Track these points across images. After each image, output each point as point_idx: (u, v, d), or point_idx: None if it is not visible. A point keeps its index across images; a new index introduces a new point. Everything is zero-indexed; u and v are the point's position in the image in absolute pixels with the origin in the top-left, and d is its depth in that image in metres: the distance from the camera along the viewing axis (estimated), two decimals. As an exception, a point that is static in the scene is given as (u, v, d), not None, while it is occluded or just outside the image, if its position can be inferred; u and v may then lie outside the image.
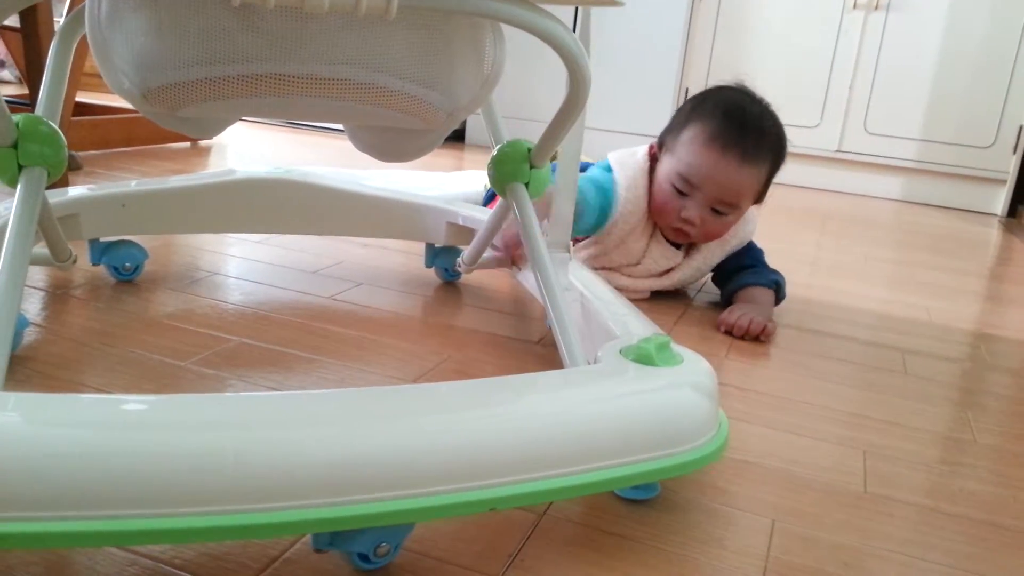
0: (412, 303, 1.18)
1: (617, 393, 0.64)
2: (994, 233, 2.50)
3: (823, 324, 1.28)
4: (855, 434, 0.87)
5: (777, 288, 1.28)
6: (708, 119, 1.21)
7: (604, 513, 0.67)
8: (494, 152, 0.92)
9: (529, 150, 0.89)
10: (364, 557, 0.54)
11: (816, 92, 2.97)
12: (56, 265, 0.96)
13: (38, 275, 1.12)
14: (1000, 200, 2.87)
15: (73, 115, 2.08)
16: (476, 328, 1.09)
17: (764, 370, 1.05)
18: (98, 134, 2.18)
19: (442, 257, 1.28)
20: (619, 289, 1.08)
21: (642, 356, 0.67)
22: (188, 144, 2.45)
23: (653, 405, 0.63)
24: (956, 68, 2.83)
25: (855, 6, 2.88)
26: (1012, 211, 2.84)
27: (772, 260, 1.35)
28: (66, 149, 0.79)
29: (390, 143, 0.94)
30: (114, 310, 1.02)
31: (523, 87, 3.10)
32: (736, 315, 1.18)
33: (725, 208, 1.22)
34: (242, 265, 1.27)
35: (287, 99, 0.74)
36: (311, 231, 1.26)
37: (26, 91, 1.90)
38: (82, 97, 2.27)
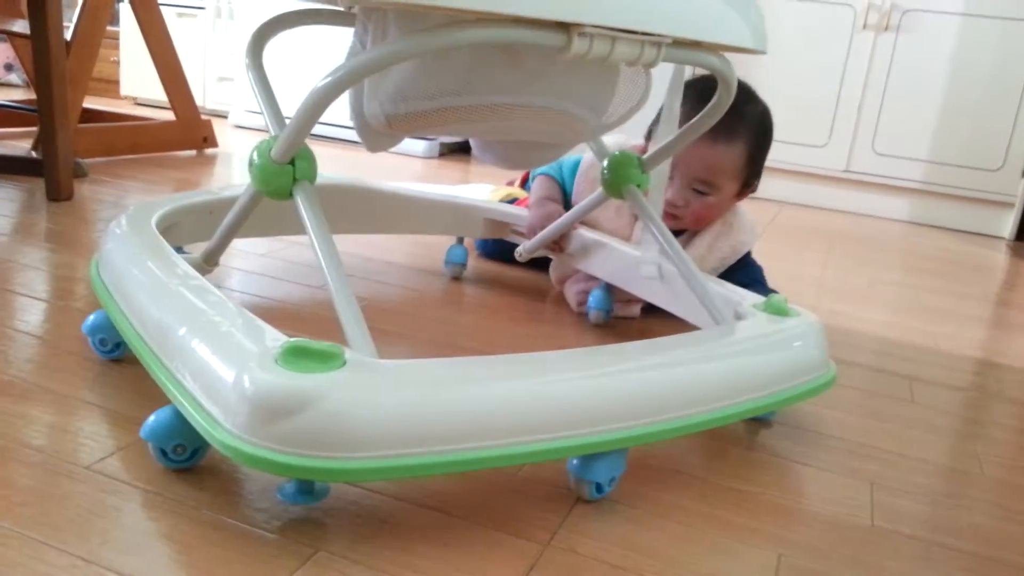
0: (420, 324, 1.17)
1: (784, 336, 0.89)
2: (1001, 257, 2.49)
3: (830, 349, 1.26)
4: (862, 465, 0.86)
5: None
6: (686, 101, 1.20)
7: (610, 545, 0.66)
8: (606, 162, 1.09)
9: (639, 158, 1.08)
10: (599, 488, 0.71)
11: (825, 112, 2.96)
12: (205, 268, 0.99)
13: (40, 286, 1.11)
14: (1008, 223, 2.85)
15: (80, 122, 2.08)
16: (494, 342, 1.08)
17: (770, 396, 1.04)
18: (104, 141, 2.17)
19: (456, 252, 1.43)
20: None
21: (777, 309, 0.92)
22: (194, 152, 2.45)
23: (803, 343, 0.90)
24: (965, 90, 2.82)
25: (865, 26, 2.87)
26: (1020, 235, 2.83)
27: (777, 280, 1.34)
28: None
29: (529, 154, 1.09)
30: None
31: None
32: None
33: (705, 187, 1.22)
34: (245, 279, 1.27)
35: (510, 123, 0.87)
36: (373, 230, 1.37)
37: (33, 96, 1.90)
38: (89, 103, 2.27)
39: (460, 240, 1.45)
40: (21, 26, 1.83)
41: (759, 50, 0.81)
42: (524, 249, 1.33)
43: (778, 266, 1.37)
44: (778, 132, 1.28)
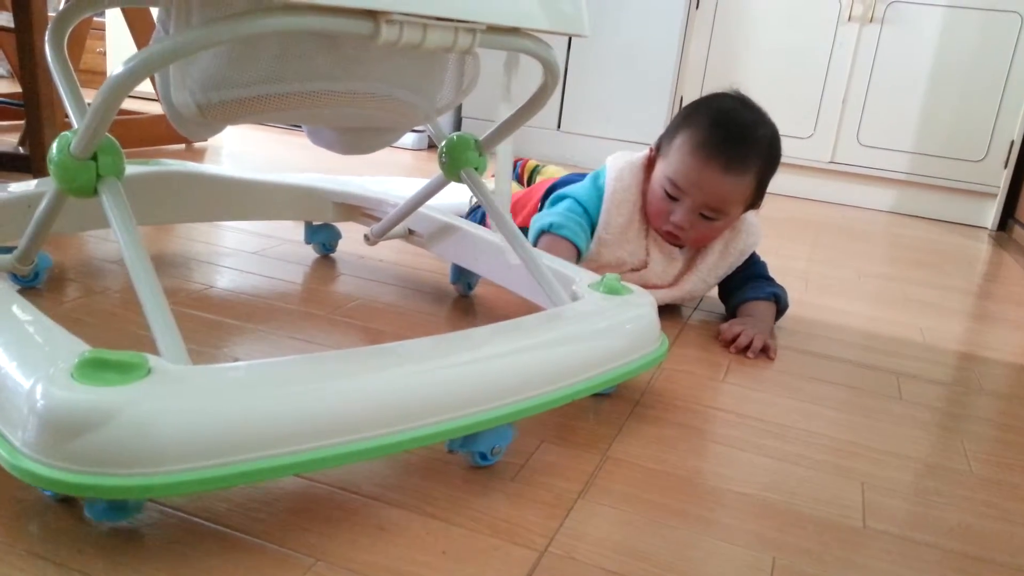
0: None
1: (625, 314, 0.90)
2: (984, 247, 2.51)
3: (818, 345, 1.28)
4: (853, 464, 0.87)
5: (777, 300, 1.30)
6: (697, 127, 1.23)
7: (607, 551, 0.66)
8: (443, 144, 1.07)
9: (476, 141, 1.05)
10: (483, 455, 0.75)
11: (810, 103, 2.97)
12: (19, 269, 0.94)
13: None
14: (991, 214, 2.88)
15: (66, 116, 2.06)
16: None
17: (760, 394, 1.05)
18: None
19: (321, 234, 1.44)
20: None
21: (611, 289, 0.94)
22: (183, 146, 2.44)
23: (643, 319, 0.91)
24: (949, 82, 2.84)
25: (850, 18, 2.88)
26: (1002, 224, 2.86)
27: (767, 276, 1.35)
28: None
29: (363, 139, 1.06)
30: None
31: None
32: (736, 330, 1.21)
33: (713, 214, 1.24)
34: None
35: (335, 110, 0.85)
36: (208, 219, 1.35)
37: (17, 89, 1.89)
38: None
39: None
40: (5, 19, 1.82)
41: (579, 34, 0.80)
42: (372, 232, 1.31)
43: (765, 259, 1.38)
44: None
